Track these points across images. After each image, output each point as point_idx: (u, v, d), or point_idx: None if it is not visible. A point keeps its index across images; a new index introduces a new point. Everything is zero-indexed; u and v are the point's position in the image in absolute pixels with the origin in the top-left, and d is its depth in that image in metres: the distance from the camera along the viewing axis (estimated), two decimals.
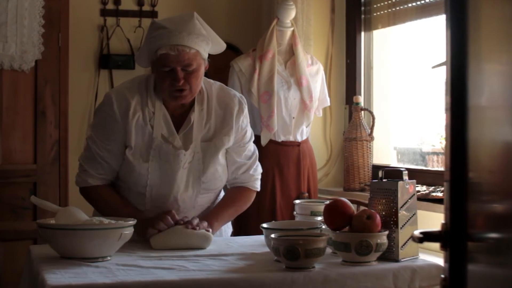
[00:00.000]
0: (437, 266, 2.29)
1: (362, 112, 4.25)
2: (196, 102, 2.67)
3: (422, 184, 3.73)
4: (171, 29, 2.55)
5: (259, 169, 2.84)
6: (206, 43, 2.62)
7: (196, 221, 2.54)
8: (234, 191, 2.79)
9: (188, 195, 2.65)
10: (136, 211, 2.63)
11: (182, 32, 2.55)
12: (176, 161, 2.61)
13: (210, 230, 2.56)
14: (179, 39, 2.54)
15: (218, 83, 2.78)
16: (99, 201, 2.68)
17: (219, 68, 4.12)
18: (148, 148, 2.61)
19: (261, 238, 2.55)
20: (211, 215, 2.67)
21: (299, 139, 4.05)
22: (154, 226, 2.51)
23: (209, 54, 2.68)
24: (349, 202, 2.38)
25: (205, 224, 2.56)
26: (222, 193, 2.85)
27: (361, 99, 4.29)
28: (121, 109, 2.60)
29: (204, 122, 2.67)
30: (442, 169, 3.82)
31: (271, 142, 3.98)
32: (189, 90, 2.58)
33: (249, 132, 2.80)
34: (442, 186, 3.53)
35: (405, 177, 2.36)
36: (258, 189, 2.84)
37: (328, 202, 2.42)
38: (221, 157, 2.69)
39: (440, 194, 3.43)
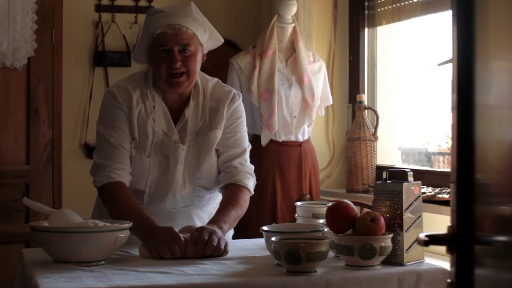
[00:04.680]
0: (443, 270, 2.27)
1: (366, 111, 4.23)
2: (192, 97, 2.69)
3: (428, 185, 3.72)
4: (168, 12, 2.62)
5: (248, 166, 2.74)
6: (203, 30, 2.66)
7: (214, 240, 2.38)
8: (225, 193, 2.67)
9: (185, 192, 2.64)
10: (149, 220, 2.51)
11: (179, 14, 2.61)
12: (175, 156, 2.62)
13: (227, 247, 2.44)
14: (176, 20, 2.60)
15: (215, 79, 2.79)
16: (118, 197, 2.56)
17: (218, 65, 4.11)
18: (150, 142, 2.62)
19: (261, 241, 2.53)
20: (217, 219, 2.55)
21: (300, 139, 4.02)
22: (160, 253, 2.36)
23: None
24: (352, 204, 2.36)
25: (222, 243, 2.41)
26: (219, 195, 2.77)
27: (364, 98, 4.27)
28: (125, 101, 2.63)
29: (199, 116, 2.68)
30: (448, 170, 3.81)
31: (272, 142, 3.96)
32: (186, 75, 2.60)
33: (241, 127, 2.74)
34: (448, 187, 3.53)
35: (410, 178, 2.34)
36: (248, 186, 2.71)
37: (330, 204, 2.41)
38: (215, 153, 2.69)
39: (446, 196, 3.43)
